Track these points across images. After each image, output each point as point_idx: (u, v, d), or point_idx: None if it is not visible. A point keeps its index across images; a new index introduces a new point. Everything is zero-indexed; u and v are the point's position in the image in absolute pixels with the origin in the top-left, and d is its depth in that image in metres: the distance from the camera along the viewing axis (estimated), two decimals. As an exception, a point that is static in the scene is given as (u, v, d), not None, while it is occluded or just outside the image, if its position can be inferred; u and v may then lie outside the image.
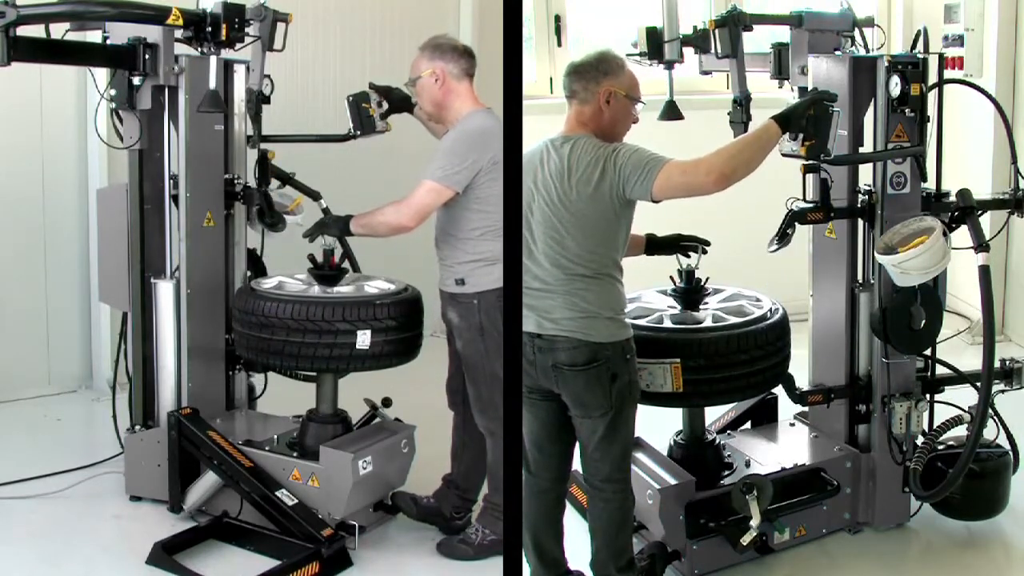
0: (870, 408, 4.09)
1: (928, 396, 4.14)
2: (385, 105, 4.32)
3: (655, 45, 4.30)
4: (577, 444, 3.54)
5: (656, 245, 3.92)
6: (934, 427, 4.11)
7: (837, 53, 4.20)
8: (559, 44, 6.67)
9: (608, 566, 3.53)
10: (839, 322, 4.17)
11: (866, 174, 4.06)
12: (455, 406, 4.12)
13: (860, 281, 4.11)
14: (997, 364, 3.95)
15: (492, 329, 3.84)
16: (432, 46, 3.95)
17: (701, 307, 3.92)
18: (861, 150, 4.06)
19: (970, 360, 4.17)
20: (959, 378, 4.15)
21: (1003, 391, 4.10)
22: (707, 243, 3.90)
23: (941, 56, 4.08)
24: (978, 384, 3.90)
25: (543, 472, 3.58)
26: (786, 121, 3.41)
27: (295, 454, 4.11)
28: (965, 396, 4.03)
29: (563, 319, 3.36)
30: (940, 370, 4.16)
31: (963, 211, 3.94)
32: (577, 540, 3.73)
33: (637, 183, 3.29)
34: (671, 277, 3.91)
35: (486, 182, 3.79)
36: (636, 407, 3.49)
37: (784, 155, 3.67)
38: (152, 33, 4.08)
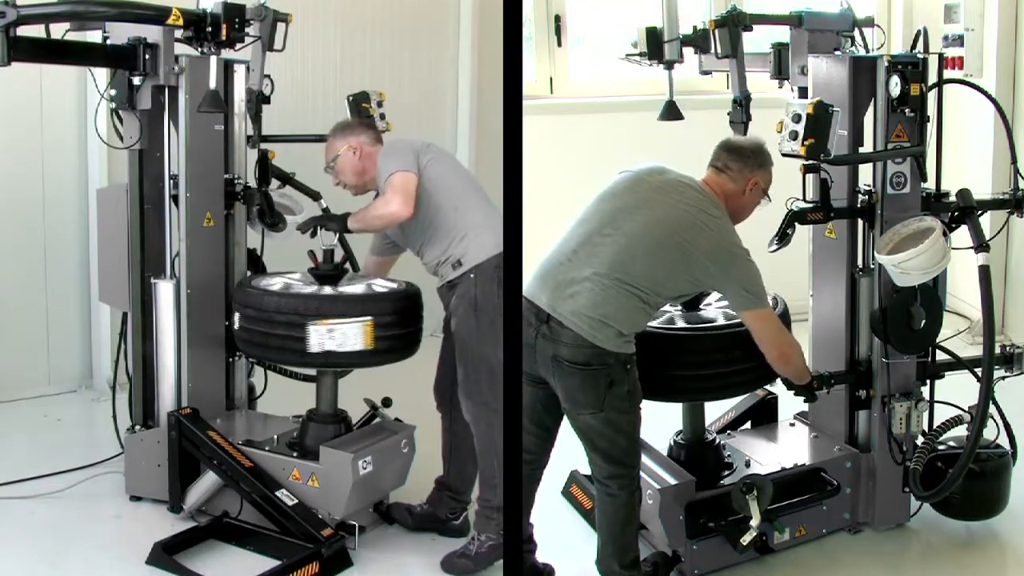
0: (870, 394, 4.08)
1: (928, 383, 4.13)
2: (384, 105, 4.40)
3: (655, 45, 4.31)
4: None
5: None
6: (934, 427, 4.11)
7: (837, 53, 4.21)
8: (559, 44, 6.66)
9: (611, 563, 3.54)
10: (839, 319, 4.16)
11: (866, 174, 4.05)
12: (443, 408, 4.11)
13: (860, 267, 4.10)
14: (997, 351, 3.95)
15: (487, 304, 3.81)
16: (341, 127, 4.15)
17: (702, 307, 3.93)
18: (861, 150, 4.06)
19: (969, 359, 4.17)
20: (958, 364, 4.14)
21: (1003, 377, 4.10)
22: None
23: (941, 56, 4.07)
24: (978, 371, 3.90)
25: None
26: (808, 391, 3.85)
27: (295, 454, 4.10)
28: (965, 396, 4.02)
29: (581, 312, 3.37)
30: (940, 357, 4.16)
31: (963, 211, 3.93)
32: (579, 540, 3.73)
33: (731, 295, 3.50)
34: None
35: (428, 163, 3.93)
36: (638, 414, 3.49)
37: (784, 155, 3.67)
38: (152, 33, 4.08)
